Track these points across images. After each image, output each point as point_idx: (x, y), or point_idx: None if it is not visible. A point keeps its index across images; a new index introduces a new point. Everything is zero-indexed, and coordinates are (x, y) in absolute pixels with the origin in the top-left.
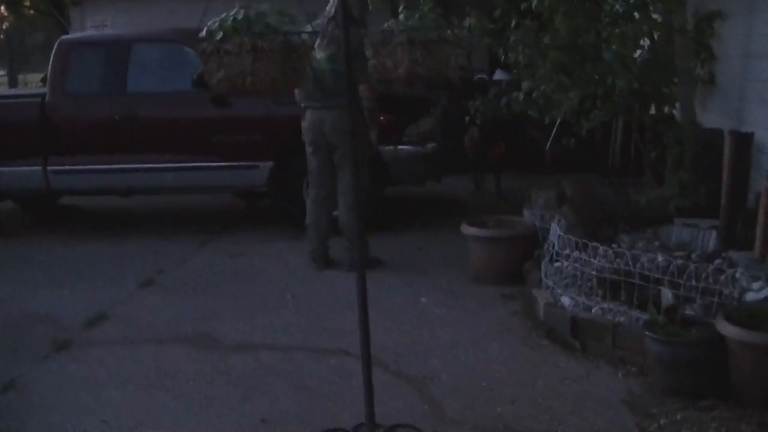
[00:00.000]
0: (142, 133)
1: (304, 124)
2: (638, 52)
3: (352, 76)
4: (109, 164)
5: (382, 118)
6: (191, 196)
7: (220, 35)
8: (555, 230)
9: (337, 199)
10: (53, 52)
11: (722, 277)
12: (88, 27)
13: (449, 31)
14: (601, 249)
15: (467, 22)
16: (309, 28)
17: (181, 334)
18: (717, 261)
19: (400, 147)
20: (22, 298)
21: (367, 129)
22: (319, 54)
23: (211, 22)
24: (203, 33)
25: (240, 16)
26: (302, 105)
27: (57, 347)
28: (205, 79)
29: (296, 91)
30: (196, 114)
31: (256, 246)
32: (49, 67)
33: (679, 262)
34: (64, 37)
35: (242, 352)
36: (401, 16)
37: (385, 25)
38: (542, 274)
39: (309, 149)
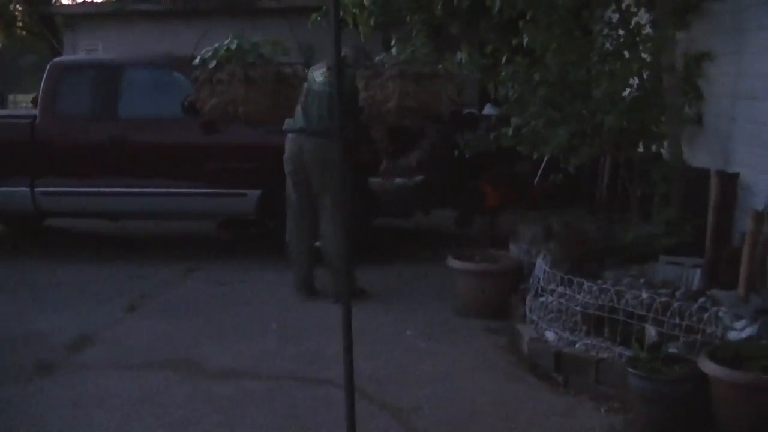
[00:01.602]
0: (132, 157)
1: (285, 155)
2: (627, 90)
3: (342, 102)
4: (98, 187)
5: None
6: (179, 222)
7: (213, 64)
8: (540, 265)
9: (318, 229)
10: (45, 74)
11: (706, 316)
12: (80, 50)
13: (440, 65)
14: (586, 285)
15: (459, 56)
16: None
17: (166, 359)
18: (701, 299)
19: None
20: (6, 320)
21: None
22: (319, 77)
23: (205, 50)
24: (197, 61)
25: (234, 46)
26: (284, 130)
27: (41, 370)
28: (197, 106)
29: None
30: (185, 140)
31: (242, 274)
32: (41, 88)
33: (664, 299)
34: (56, 59)
35: (227, 380)
36: (393, 50)
37: (377, 58)
38: (527, 309)
39: (288, 179)
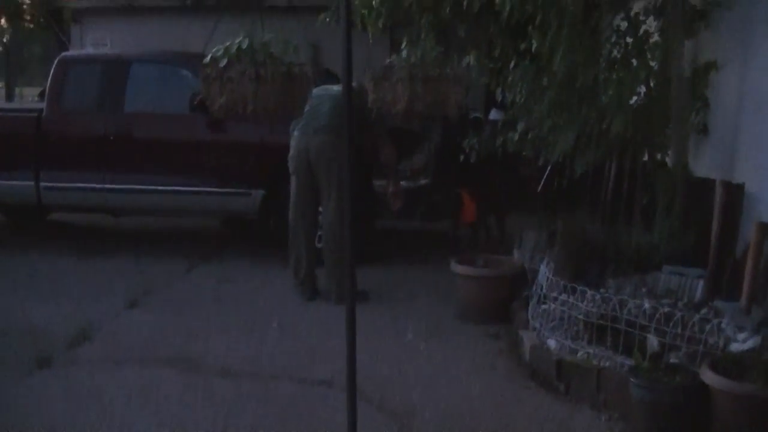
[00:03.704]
0: (136, 153)
1: (290, 153)
2: (634, 98)
3: (351, 102)
4: (102, 183)
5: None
6: (181, 218)
7: (224, 62)
8: (543, 272)
9: (319, 230)
10: (53, 68)
11: (708, 327)
12: (87, 44)
13: (449, 69)
14: (589, 293)
15: (466, 59)
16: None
17: (166, 355)
18: (703, 310)
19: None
20: (7, 312)
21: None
22: (337, 87)
23: (216, 48)
24: (207, 58)
25: (245, 45)
26: (291, 129)
27: (40, 363)
28: (207, 103)
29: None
30: (190, 137)
31: (244, 272)
32: (48, 82)
33: (666, 309)
34: (64, 53)
35: (226, 377)
36: (403, 52)
37: (387, 60)
38: (529, 315)
39: (293, 178)
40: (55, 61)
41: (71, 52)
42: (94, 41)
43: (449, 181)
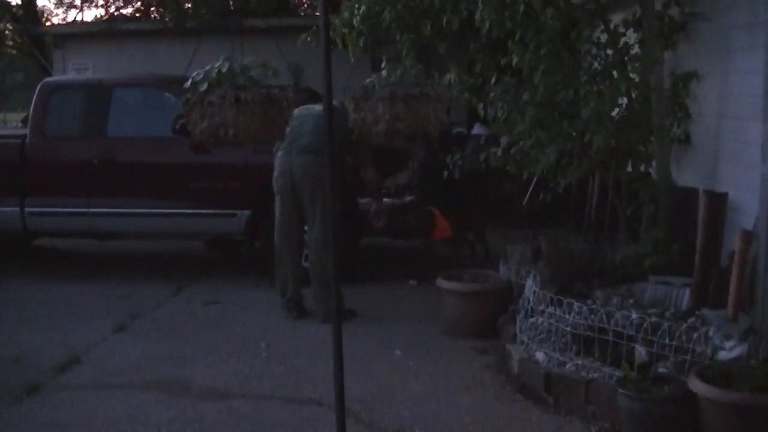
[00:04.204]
0: (121, 177)
1: (275, 173)
2: (615, 110)
3: (332, 121)
4: (87, 207)
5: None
6: (167, 241)
7: (204, 86)
8: (530, 286)
9: (304, 249)
10: (36, 94)
11: (695, 336)
12: (69, 69)
13: (429, 86)
14: (576, 305)
15: (447, 77)
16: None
17: (154, 379)
18: (690, 319)
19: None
20: None
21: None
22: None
23: (196, 73)
24: (188, 83)
25: (225, 69)
26: (275, 149)
27: (28, 390)
28: (188, 128)
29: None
30: (174, 160)
31: (231, 294)
32: (31, 108)
33: (653, 319)
34: (47, 79)
35: (214, 400)
36: (383, 72)
37: (367, 80)
38: (517, 329)
39: (277, 198)
40: (38, 87)
41: (54, 78)
42: (76, 66)
43: (434, 197)
